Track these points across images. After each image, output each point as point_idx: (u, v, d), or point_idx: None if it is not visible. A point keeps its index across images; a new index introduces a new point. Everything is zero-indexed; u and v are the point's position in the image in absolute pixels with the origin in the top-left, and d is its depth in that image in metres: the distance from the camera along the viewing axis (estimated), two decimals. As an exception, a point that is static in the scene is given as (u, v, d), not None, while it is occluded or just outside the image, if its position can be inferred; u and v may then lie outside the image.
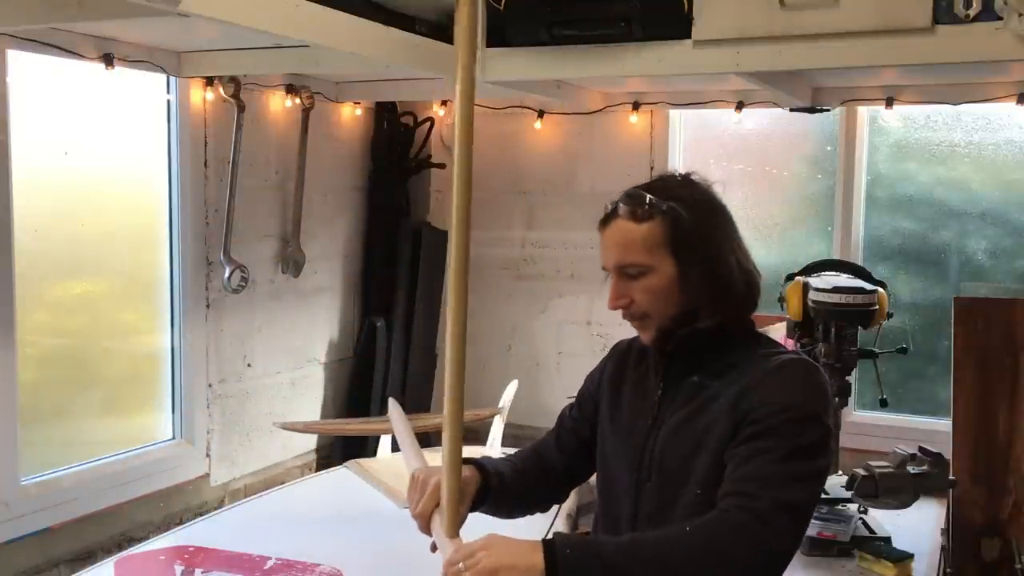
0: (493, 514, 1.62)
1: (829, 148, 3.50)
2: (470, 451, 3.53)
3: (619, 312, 1.53)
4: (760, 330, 1.60)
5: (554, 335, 3.87)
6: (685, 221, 1.46)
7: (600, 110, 3.65)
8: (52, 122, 2.68)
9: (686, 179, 1.53)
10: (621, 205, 1.47)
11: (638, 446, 1.51)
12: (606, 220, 1.50)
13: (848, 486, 2.54)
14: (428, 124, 3.91)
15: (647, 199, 1.46)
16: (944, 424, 3.10)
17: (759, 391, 1.39)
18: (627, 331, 1.58)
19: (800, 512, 1.34)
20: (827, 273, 2.87)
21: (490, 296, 3.98)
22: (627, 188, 1.50)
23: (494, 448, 3.36)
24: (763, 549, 1.28)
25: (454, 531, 1.45)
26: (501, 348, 3.99)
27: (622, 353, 1.66)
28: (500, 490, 1.59)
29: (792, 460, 1.32)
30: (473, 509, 1.56)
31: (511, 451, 3.41)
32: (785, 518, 1.29)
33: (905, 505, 2.54)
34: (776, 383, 1.41)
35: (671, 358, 1.52)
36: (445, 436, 1.45)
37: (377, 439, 3.37)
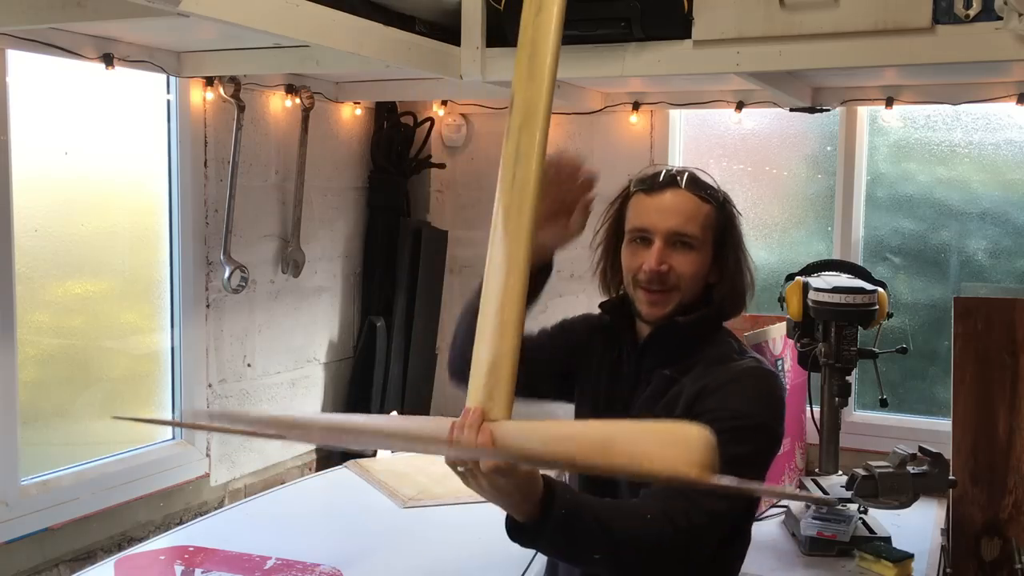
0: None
1: (829, 148, 3.50)
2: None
3: None
4: (757, 330, 1.67)
5: (554, 335, 3.86)
6: (731, 215, 1.58)
7: (600, 110, 3.65)
8: (52, 122, 2.68)
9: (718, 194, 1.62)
10: (689, 179, 1.55)
11: (600, 399, 1.63)
12: (664, 185, 1.56)
13: (848, 486, 2.54)
14: (428, 124, 3.91)
15: (713, 183, 1.58)
16: (944, 424, 3.09)
17: (715, 395, 1.45)
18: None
19: (720, 519, 1.40)
20: (827, 273, 2.88)
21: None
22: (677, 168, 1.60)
23: (494, 448, 3.36)
24: (681, 549, 1.37)
25: (505, 411, 1.26)
26: (501, 348, 3.98)
27: (599, 330, 1.72)
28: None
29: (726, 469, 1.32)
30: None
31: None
32: (706, 523, 1.36)
33: (905, 505, 2.55)
34: (733, 389, 1.46)
35: (644, 348, 1.55)
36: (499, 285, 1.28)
37: (377, 439, 3.37)
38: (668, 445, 1.04)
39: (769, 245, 3.59)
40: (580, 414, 1.70)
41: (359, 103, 3.73)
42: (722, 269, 1.59)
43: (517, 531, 1.30)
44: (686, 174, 1.57)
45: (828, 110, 3.35)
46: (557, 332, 1.78)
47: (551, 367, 1.74)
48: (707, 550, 1.39)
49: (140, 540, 2.73)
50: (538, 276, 1.57)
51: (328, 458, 3.67)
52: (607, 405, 1.62)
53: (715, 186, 1.59)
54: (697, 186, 1.56)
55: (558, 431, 1.15)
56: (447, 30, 2.82)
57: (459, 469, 1.22)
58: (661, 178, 1.56)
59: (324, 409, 3.71)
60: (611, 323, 1.68)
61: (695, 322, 1.54)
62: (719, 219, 1.58)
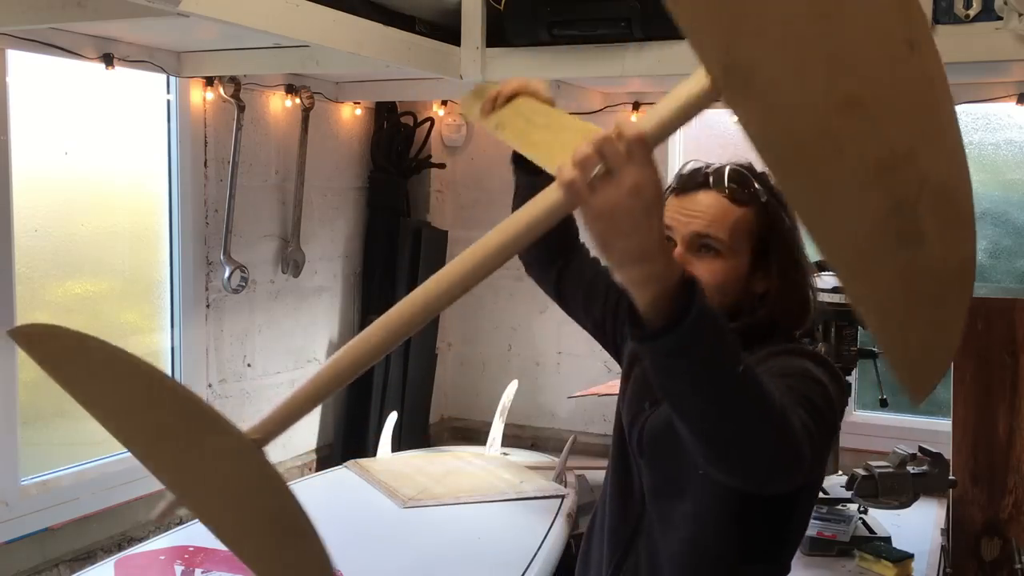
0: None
1: (829, 148, 3.50)
2: (469, 451, 3.53)
3: None
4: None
5: (554, 335, 3.87)
6: (780, 220, 1.37)
7: (600, 110, 3.65)
8: (52, 122, 2.68)
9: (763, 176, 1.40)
10: (725, 178, 1.37)
11: (637, 421, 1.49)
12: (696, 185, 1.39)
13: (848, 486, 2.54)
14: (428, 124, 3.91)
15: (754, 184, 1.37)
16: (944, 424, 3.10)
17: (778, 358, 1.31)
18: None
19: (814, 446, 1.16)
20: (827, 273, 2.88)
21: (490, 296, 3.98)
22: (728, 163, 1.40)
23: (494, 448, 3.36)
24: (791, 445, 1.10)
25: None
26: (501, 348, 3.99)
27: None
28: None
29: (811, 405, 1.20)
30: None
31: (511, 451, 3.43)
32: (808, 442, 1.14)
33: (905, 505, 2.55)
34: (796, 356, 1.33)
35: None
36: None
37: (377, 439, 3.37)
38: None
39: (769, 245, 3.59)
40: (623, 389, 1.59)
41: (359, 103, 3.73)
42: (769, 278, 1.38)
43: (643, 324, 0.94)
44: (723, 171, 1.37)
45: (828, 110, 3.34)
46: (604, 288, 1.68)
47: (592, 311, 1.68)
48: (795, 476, 1.13)
49: (140, 540, 2.73)
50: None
51: (328, 458, 3.67)
52: (637, 396, 1.52)
53: (757, 187, 1.37)
54: (733, 185, 1.35)
55: None
56: (447, 30, 2.82)
57: (591, 176, 0.86)
58: (692, 176, 1.40)
59: (324, 409, 3.71)
60: None
61: (737, 331, 1.26)
62: (760, 222, 1.36)
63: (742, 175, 1.37)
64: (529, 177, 1.51)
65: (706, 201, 1.37)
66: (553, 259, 1.69)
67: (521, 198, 1.55)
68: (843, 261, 0.90)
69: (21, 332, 0.92)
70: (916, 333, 0.96)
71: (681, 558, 1.40)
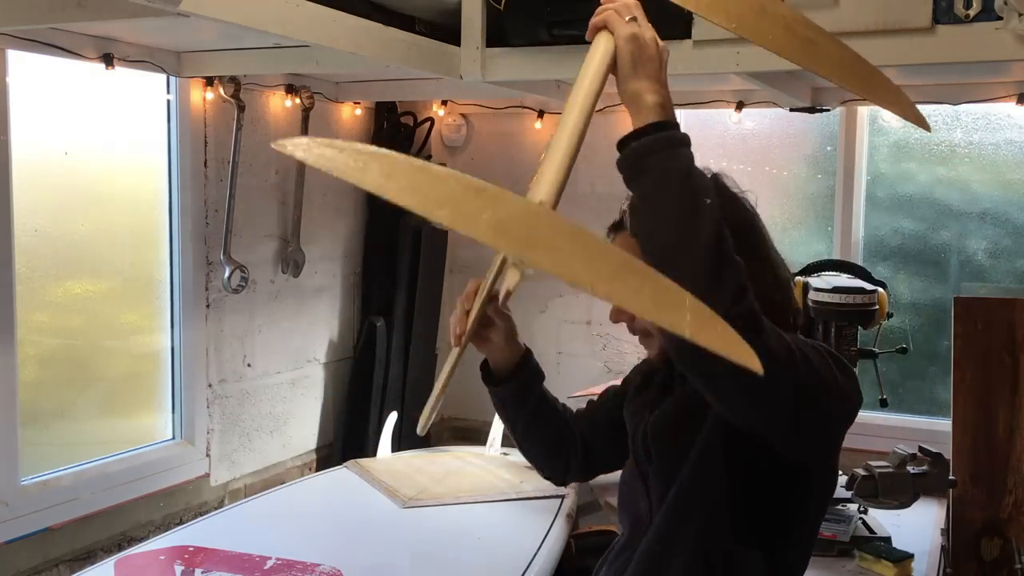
0: (512, 399, 1.57)
1: (829, 148, 3.50)
2: (469, 451, 3.54)
3: None
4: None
5: (554, 335, 3.87)
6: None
7: (600, 110, 3.62)
8: (52, 122, 2.68)
9: (718, 182, 1.43)
10: (625, 216, 1.38)
11: (636, 434, 1.49)
12: (612, 229, 1.45)
13: (848, 486, 2.54)
14: (428, 124, 3.91)
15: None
16: (944, 424, 3.10)
17: None
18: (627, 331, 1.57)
19: (826, 386, 1.21)
20: (827, 273, 2.88)
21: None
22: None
23: (494, 448, 3.36)
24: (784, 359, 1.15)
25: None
26: (501, 348, 3.99)
27: (640, 370, 1.62)
28: (533, 373, 1.56)
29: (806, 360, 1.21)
30: (508, 379, 1.54)
31: (511, 451, 3.43)
32: (815, 379, 1.18)
33: (905, 505, 2.55)
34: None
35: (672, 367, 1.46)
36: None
37: (377, 439, 3.37)
38: None
39: (769, 245, 3.59)
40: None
41: (359, 103, 3.73)
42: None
43: (630, 138, 1.18)
44: (623, 209, 1.39)
45: (828, 110, 3.35)
46: (611, 398, 1.67)
47: (617, 434, 1.60)
48: (791, 394, 1.15)
49: (140, 540, 2.73)
50: (521, 375, 1.54)
51: (328, 458, 3.67)
52: (636, 412, 1.52)
53: None
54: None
55: None
56: (447, 30, 2.82)
57: (626, 17, 1.21)
58: (617, 219, 1.44)
59: (324, 409, 3.72)
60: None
61: None
62: None
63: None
64: (497, 388, 1.57)
65: (619, 245, 1.39)
66: (570, 456, 1.65)
67: (508, 406, 1.59)
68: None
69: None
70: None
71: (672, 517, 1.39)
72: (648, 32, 1.21)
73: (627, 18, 1.21)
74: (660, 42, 1.22)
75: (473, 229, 0.92)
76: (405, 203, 0.94)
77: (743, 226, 1.37)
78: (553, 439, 1.62)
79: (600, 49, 1.22)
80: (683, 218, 1.13)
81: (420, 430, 1.49)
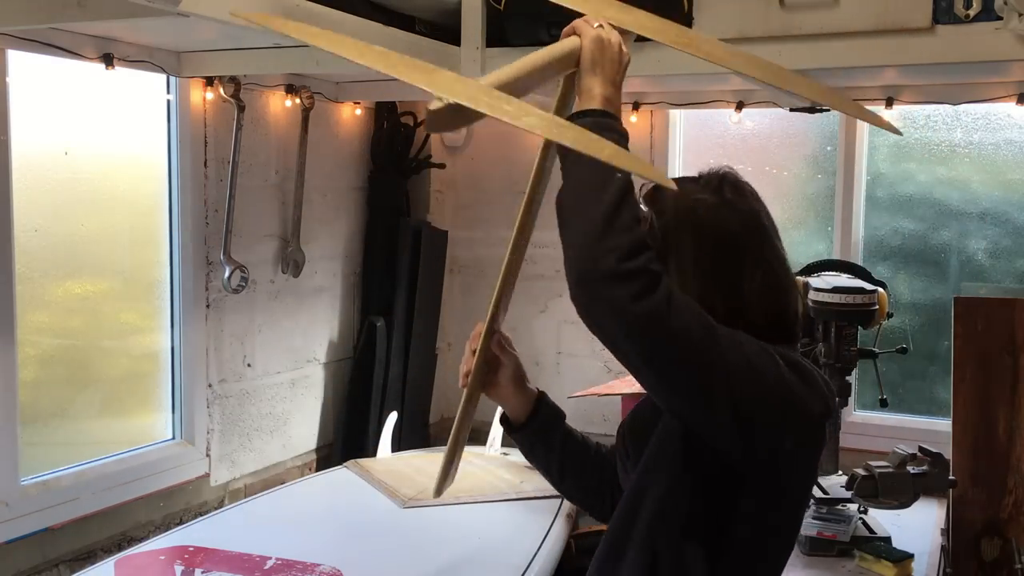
0: (537, 443, 1.60)
1: (829, 148, 3.50)
2: (469, 451, 3.52)
3: None
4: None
5: (554, 335, 3.87)
6: (696, 225, 1.36)
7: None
8: (52, 122, 2.68)
9: (718, 182, 1.42)
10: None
11: (621, 429, 1.52)
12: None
13: (848, 486, 2.55)
14: (428, 124, 3.91)
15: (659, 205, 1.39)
16: (944, 424, 3.10)
17: None
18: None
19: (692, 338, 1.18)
20: (827, 273, 2.88)
21: (490, 296, 3.97)
22: None
23: (494, 448, 3.36)
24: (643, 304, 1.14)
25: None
26: (501, 348, 3.99)
27: None
28: (552, 413, 1.59)
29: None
30: (523, 428, 1.57)
31: (511, 451, 3.43)
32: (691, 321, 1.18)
33: (905, 505, 2.55)
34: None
35: None
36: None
37: (377, 439, 3.37)
38: None
39: (769, 245, 3.59)
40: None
41: (359, 103, 3.73)
42: (724, 292, 1.33)
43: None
44: None
45: (828, 110, 3.34)
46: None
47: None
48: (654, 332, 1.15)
49: (140, 540, 2.73)
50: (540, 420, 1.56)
51: (328, 458, 3.67)
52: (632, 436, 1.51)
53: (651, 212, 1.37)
54: None
55: None
56: (447, 30, 2.82)
57: (594, 24, 1.32)
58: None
59: (324, 409, 3.72)
60: None
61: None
62: (672, 240, 1.35)
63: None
64: (517, 433, 1.60)
65: None
66: (614, 492, 1.57)
67: (535, 451, 1.63)
68: None
69: None
70: None
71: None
72: (613, 36, 1.32)
73: (595, 24, 1.33)
74: (624, 48, 1.33)
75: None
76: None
77: (730, 235, 1.36)
78: (591, 477, 1.60)
79: (565, 43, 1.33)
80: (587, 185, 1.21)
81: (435, 494, 1.61)
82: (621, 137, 1.25)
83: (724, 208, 1.38)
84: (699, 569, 1.31)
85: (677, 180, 1.31)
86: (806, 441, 1.33)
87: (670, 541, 1.33)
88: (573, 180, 1.23)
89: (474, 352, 1.48)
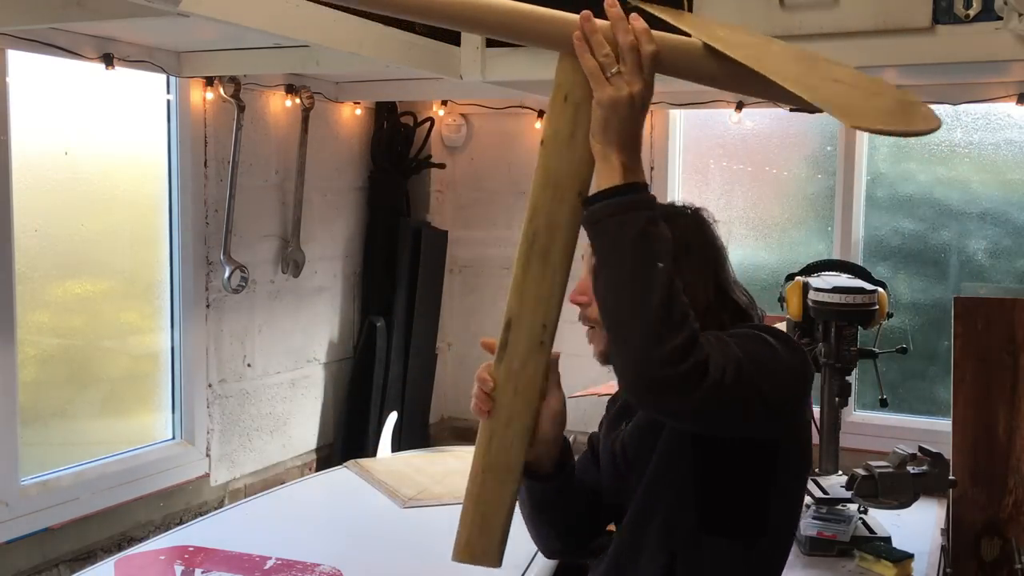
0: (556, 496, 1.45)
1: (829, 148, 3.50)
2: (469, 451, 3.53)
3: None
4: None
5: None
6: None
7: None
8: (52, 122, 2.68)
9: (687, 212, 1.44)
10: None
11: (613, 448, 1.46)
12: None
13: (848, 486, 2.54)
14: (428, 124, 3.91)
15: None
16: (944, 424, 3.10)
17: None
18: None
19: (740, 365, 1.19)
20: (827, 273, 2.88)
21: (490, 296, 3.98)
22: None
23: (494, 448, 3.36)
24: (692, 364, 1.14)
25: None
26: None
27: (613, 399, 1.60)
28: (572, 466, 1.45)
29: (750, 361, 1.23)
30: (551, 477, 1.41)
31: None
32: (728, 364, 1.18)
33: (905, 505, 2.55)
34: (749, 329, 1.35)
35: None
36: None
37: (377, 439, 3.37)
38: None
39: (769, 245, 3.59)
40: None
41: (359, 103, 3.73)
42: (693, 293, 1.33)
43: (598, 197, 1.18)
44: None
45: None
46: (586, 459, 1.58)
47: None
48: (697, 393, 1.15)
49: (140, 540, 2.73)
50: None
51: (328, 458, 3.67)
52: (607, 433, 1.49)
53: None
54: None
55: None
56: (447, 30, 2.81)
57: (609, 72, 1.15)
58: None
59: (324, 409, 3.72)
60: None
61: None
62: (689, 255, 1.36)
63: None
64: (538, 484, 1.45)
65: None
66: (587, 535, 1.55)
67: (543, 507, 1.50)
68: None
69: None
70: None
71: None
72: (629, 88, 1.15)
73: (610, 73, 1.15)
74: (643, 96, 1.16)
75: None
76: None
77: (705, 259, 1.40)
78: (585, 520, 1.52)
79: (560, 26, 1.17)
80: (631, 285, 1.15)
81: (454, 556, 1.42)
82: (650, 213, 1.17)
83: (706, 236, 1.44)
84: (732, 560, 1.33)
85: (669, 205, 1.42)
86: (807, 401, 1.39)
87: (692, 539, 1.33)
88: (615, 282, 1.17)
89: (489, 395, 1.30)
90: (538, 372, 1.32)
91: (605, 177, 1.18)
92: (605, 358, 1.42)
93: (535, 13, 1.17)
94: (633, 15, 1.17)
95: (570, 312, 1.40)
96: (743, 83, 1.24)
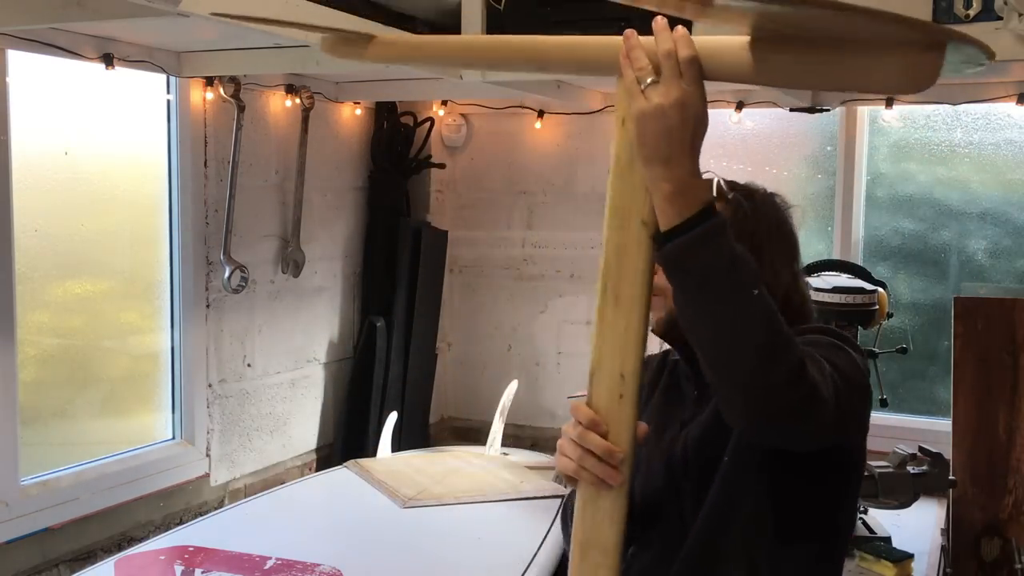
0: None
1: (829, 148, 3.50)
2: (470, 451, 3.53)
3: None
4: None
5: (554, 335, 3.87)
6: (745, 220, 1.39)
7: (600, 110, 3.65)
8: (52, 122, 2.68)
9: (767, 193, 1.50)
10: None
11: (669, 450, 1.43)
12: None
13: (848, 486, 2.54)
14: (428, 124, 3.91)
15: (717, 181, 1.36)
16: (944, 424, 3.10)
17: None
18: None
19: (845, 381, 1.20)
20: (827, 273, 2.88)
21: (490, 296, 3.98)
22: None
23: (494, 448, 3.36)
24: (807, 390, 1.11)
25: None
26: (501, 348, 3.99)
27: (656, 365, 1.57)
28: None
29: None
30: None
31: (511, 451, 3.43)
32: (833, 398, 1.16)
33: (905, 505, 2.55)
34: (817, 334, 1.36)
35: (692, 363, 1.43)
36: None
37: (377, 439, 3.37)
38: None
39: (769, 245, 3.59)
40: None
41: (359, 103, 3.73)
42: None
43: (670, 234, 1.06)
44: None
45: (828, 110, 3.35)
46: None
47: None
48: (811, 425, 1.14)
49: (140, 540, 2.73)
50: None
51: (328, 458, 3.67)
52: (662, 423, 1.46)
53: (723, 185, 1.40)
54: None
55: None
56: (447, 30, 2.81)
57: (644, 84, 1.05)
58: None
59: (324, 409, 3.72)
60: (670, 354, 1.53)
61: None
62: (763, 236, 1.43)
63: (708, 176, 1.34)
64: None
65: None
66: None
67: None
68: None
69: None
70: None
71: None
72: (661, 99, 1.04)
73: (644, 85, 1.05)
74: (680, 104, 1.03)
75: None
76: None
77: (788, 242, 1.49)
78: None
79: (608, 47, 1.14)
80: (731, 322, 1.07)
81: None
82: (728, 241, 1.06)
83: (786, 218, 1.51)
84: (806, 566, 1.34)
85: (750, 184, 1.45)
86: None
87: (769, 549, 1.33)
88: (712, 318, 1.08)
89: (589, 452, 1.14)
90: (622, 428, 1.14)
91: (663, 213, 1.06)
92: (662, 328, 1.41)
93: (590, 43, 1.17)
94: (678, 26, 1.09)
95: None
96: (792, 75, 1.10)
